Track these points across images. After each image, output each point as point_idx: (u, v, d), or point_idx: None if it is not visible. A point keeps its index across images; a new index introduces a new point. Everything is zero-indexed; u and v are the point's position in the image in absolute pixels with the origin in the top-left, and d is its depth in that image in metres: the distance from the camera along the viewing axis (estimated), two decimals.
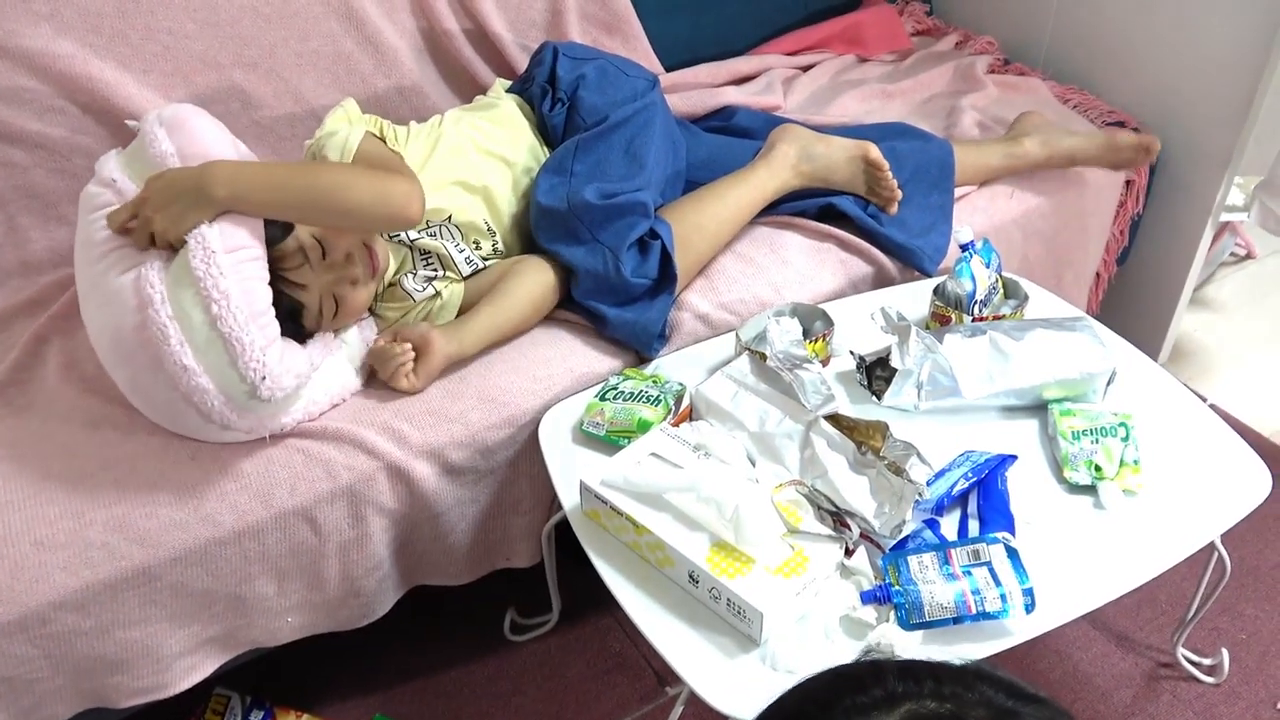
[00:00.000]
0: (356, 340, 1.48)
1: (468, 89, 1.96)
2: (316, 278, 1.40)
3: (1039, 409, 1.41)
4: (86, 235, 1.35)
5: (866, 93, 2.13)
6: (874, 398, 1.43)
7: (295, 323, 1.39)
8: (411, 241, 1.54)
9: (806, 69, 2.25)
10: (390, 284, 1.55)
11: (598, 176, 1.57)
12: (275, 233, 1.35)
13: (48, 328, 1.53)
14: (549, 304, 1.56)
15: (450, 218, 1.55)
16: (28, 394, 1.45)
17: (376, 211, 1.37)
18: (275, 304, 1.33)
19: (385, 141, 1.51)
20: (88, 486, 1.29)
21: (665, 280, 1.54)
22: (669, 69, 2.11)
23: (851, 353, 1.46)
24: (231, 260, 1.26)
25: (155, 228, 1.28)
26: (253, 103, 1.77)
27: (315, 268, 1.39)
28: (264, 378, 1.24)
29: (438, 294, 1.56)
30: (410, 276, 1.55)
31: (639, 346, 1.52)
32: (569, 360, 1.51)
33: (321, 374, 1.39)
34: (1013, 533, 1.21)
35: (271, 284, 1.34)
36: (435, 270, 1.56)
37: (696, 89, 2.07)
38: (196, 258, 1.25)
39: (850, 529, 1.18)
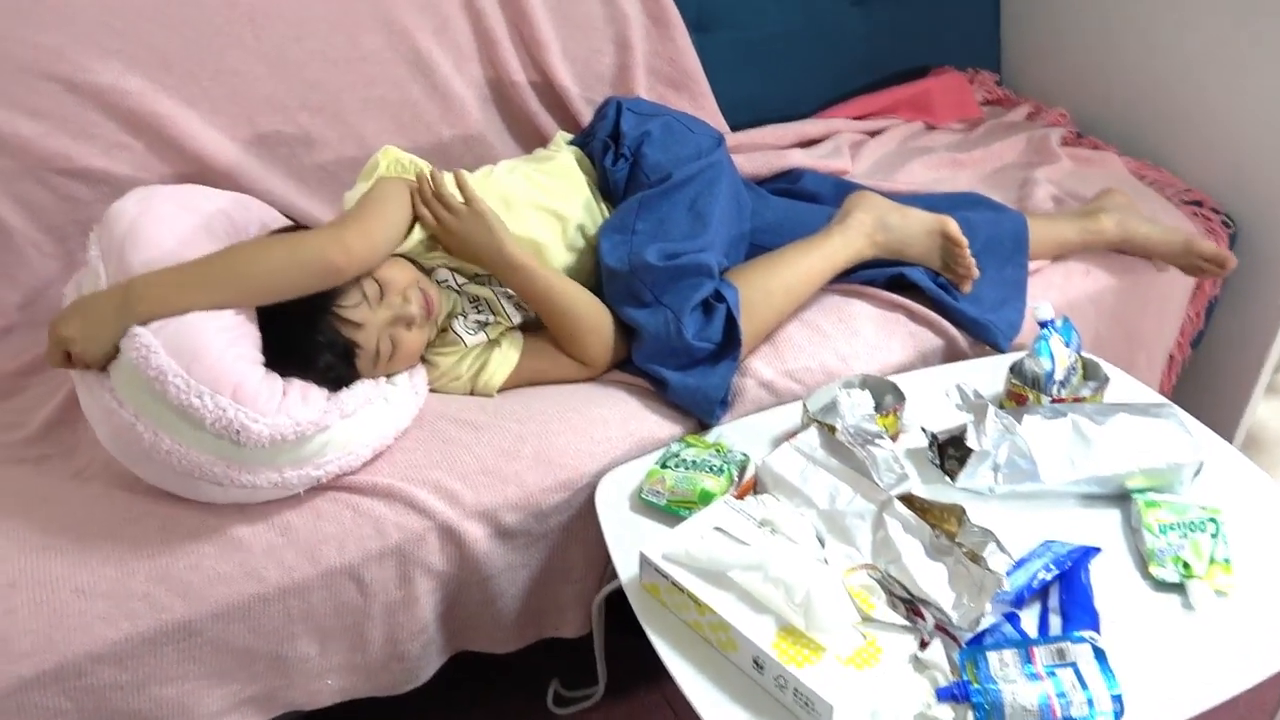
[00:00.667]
0: (405, 387, 1.45)
1: (531, 140, 1.95)
2: (374, 316, 1.38)
3: (1121, 498, 1.35)
4: None
5: (936, 161, 2.11)
6: (947, 478, 1.37)
7: (348, 364, 1.36)
8: (460, 287, 1.52)
9: (874, 134, 2.22)
10: (441, 329, 1.52)
11: (660, 236, 1.54)
12: None
13: None
14: (606, 330, 1.52)
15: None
16: (74, 436, 1.43)
17: (295, 280, 1.33)
18: (329, 345, 1.32)
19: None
20: (132, 534, 1.26)
21: (729, 345, 1.50)
22: (735, 129, 2.10)
23: (923, 429, 1.41)
24: (156, 333, 1.23)
25: (74, 350, 1.25)
26: (316, 146, 1.77)
27: (373, 306, 1.38)
28: (238, 430, 1.21)
29: (493, 342, 1.53)
30: (460, 320, 1.52)
31: (700, 413, 1.48)
32: (629, 423, 1.47)
33: (363, 423, 1.35)
34: (1098, 631, 1.15)
35: (328, 323, 1.33)
36: (486, 316, 1.54)
37: (762, 150, 2.05)
38: (128, 349, 1.22)
39: (925, 619, 1.13)
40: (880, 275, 1.70)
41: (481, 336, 1.53)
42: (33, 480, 1.35)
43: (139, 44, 1.61)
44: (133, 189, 1.42)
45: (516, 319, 1.54)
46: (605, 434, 1.45)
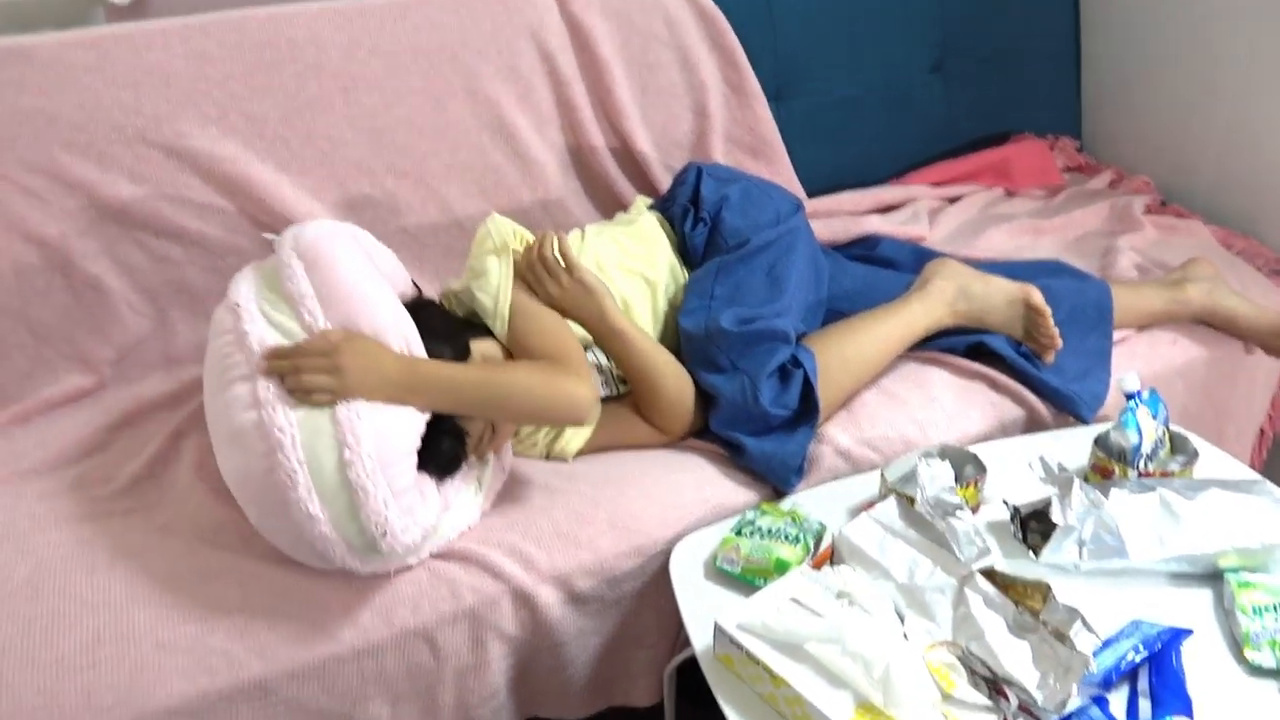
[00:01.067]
0: (496, 466, 1.46)
1: (609, 205, 1.98)
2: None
3: (1212, 578, 1.30)
4: (212, 362, 1.34)
5: (1016, 228, 2.09)
6: (1030, 553, 1.34)
7: (458, 444, 1.37)
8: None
9: (953, 200, 2.22)
10: None
11: (737, 301, 1.54)
12: (454, 353, 1.38)
13: (186, 424, 1.55)
14: (688, 399, 1.51)
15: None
16: (160, 489, 1.46)
17: (548, 419, 1.43)
18: (440, 428, 1.32)
19: None
20: (212, 591, 1.28)
21: (806, 412, 1.49)
22: (812, 195, 2.10)
23: (1005, 502, 1.38)
24: (372, 408, 1.25)
25: (322, 383, 1.24)
26: (400, 209, 1.81)
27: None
28: (385, 533, 1.21)
29: None
30: None
31: (776, 480, 1.47)
32: (704, 489, 1.47)
33: (456, 514, 1.36)
34: (1190, 717, 1.11)
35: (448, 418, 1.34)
36: None
37: (839, 216, 2.05)
38: (344, 405, 1.23)
39: (1009, 699, 1.10)
40: (960, 343, 1.68)
41: None
42: (120, 534, 1.37)
43: (235, 111, 1.67)
44: (313, 230, 1.40)
45: (601, 393, 1.54)
46: (680, 500, 1.44)
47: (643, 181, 1.99)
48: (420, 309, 1.43)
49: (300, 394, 1.23)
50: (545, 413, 1.38)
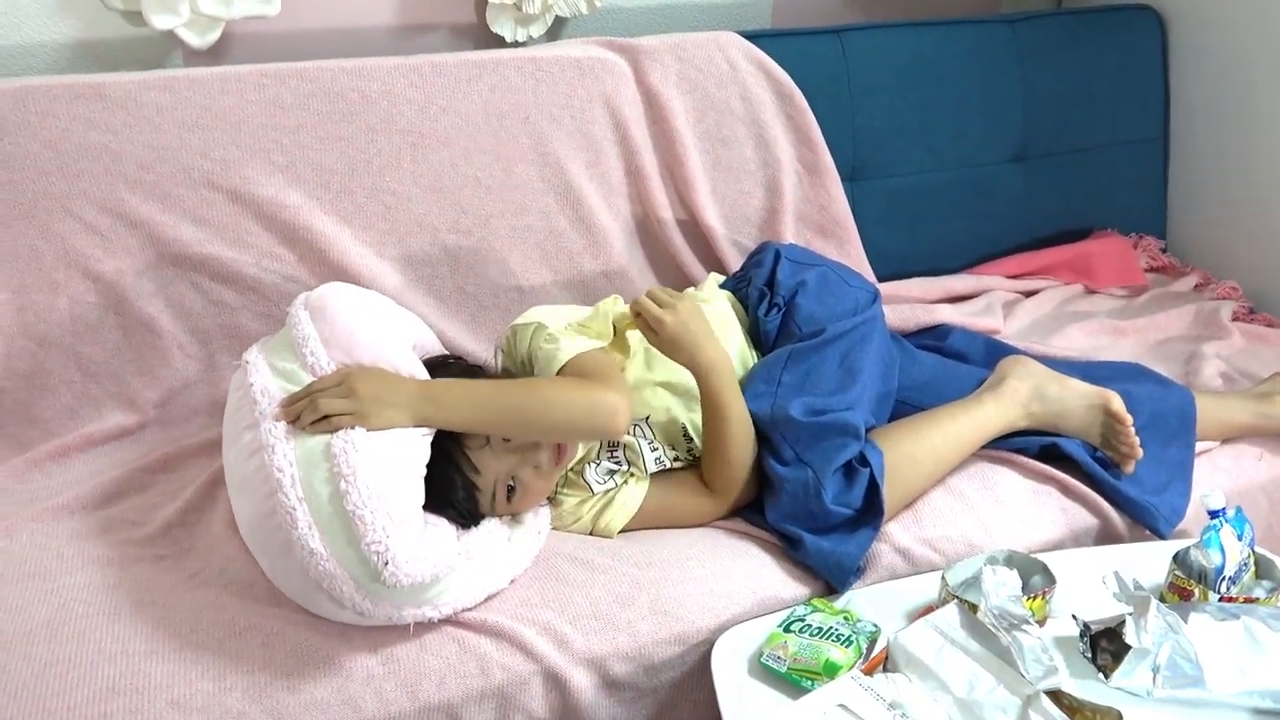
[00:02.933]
0: (529, 526, 1.42)
1: (673, 277, 1.97)
2: (495, 462, 1.36)
3: None
4: (227, 418, 1.39)
5: (1095, 327, 2.04)
6: (1099, 674, 1.26)
7: (471, 500, 1.35)
8: None
9: (1029, 294, 2.18)
10: (573, 469, 1.50)
11: (807, 389, 1.50)
12: None
13: (223, 473, 1.52)
14: (747, 463, 1.47)
15: (648, 418, 1.52)
16: (192, 538, 1.44)
17: (580, 427, 1.37)
18: (452, 481, 1.31)
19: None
20: (234, 648, 1.24)
21: (870, 513, 1.44)
22: (881, 280, 2.07)
23: (1075, 618, 1.31)
24: (370, 439, 1.24)
25: (340, 407, 1.26)
26: (460, 269, 1.80)
27: (496, 451, 1.37)
28: (386, 562, 1.18)
29: (616, 487, 1.50)
30: (594, 467, 1.50)
31: (832, 579, 1.41)
32: (753, 579, 1.41)
33: (483, 564, 1.32)
34: None
35: (450, 461, 1.32)
36: (620, 463, 1.51)
37: (909, 303, 2.01)
38: (339, 437, 1.23)
39: None
40: (1033, 444, 1.62)
41: (611, 484, 1.50)
42: (148, 581, 1.35)
43: (303, 161, 1.69)
44: (324, 287, 1.45)
45: (653, 468, 1.51)
46: (727, 588, 1.39)
47: (709, 257, 1.97)
48: (440, 365, 1.45)
49: (323, 425, 1.25)
50: (576, 420, 1.35)
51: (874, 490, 1.43)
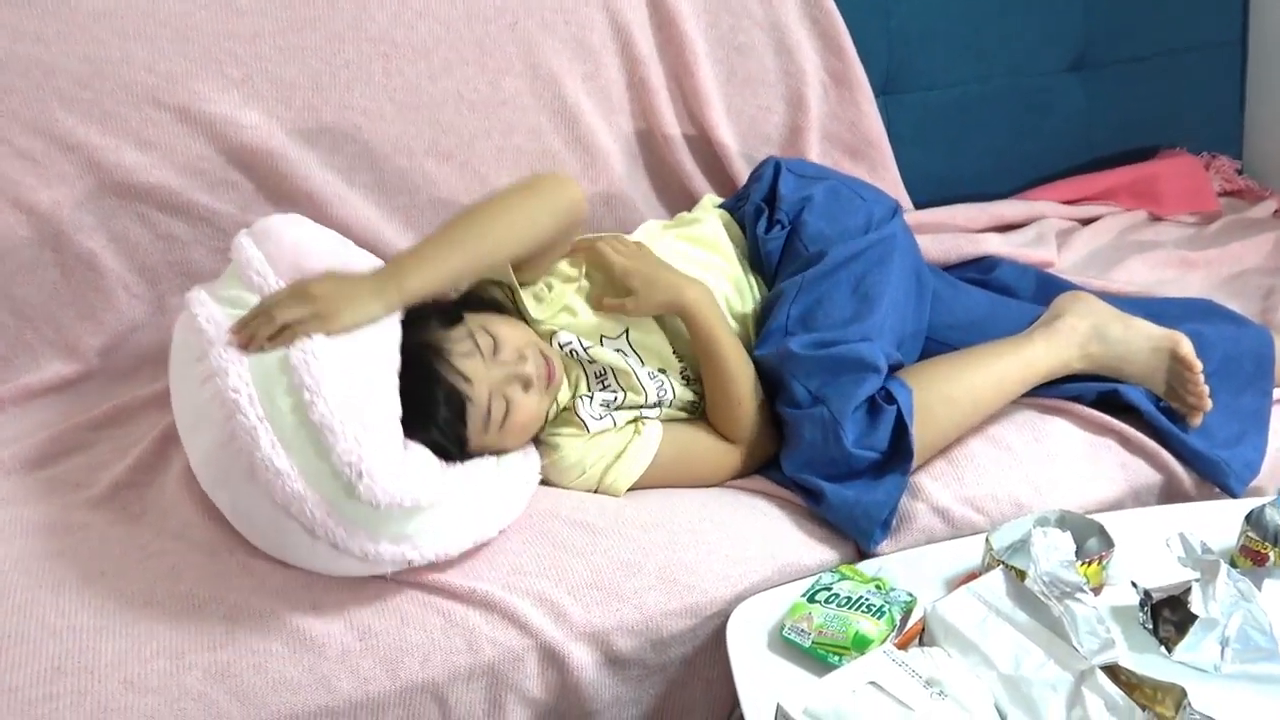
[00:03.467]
0: (519, 467, 1.45)
1: (679, 203, 1.97)
2: (486, 372, 1.40)
3: None
4: (174, 360, 1.41)
5: (1161, 258, 2.04)
6: (1161, 647, 1.28)
7: (459, 422, 1.38)
8: (586, 350, 1.52)
9: (1086, 222, 2.18)
10: (564, 408, 1.52)
11: (814, 321, 1.51)
12: (443, 320, 1.39)
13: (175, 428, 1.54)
14: (752, 401, 1.52)
15: (627, 332, 1.54)
16: (144, 501, 1.46)
17: (540, 213, 1.47)
18: (446, 398, 1.35)
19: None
20: (193, 622, 1.26)
21: (898, 457, 1.45)
22: (919, 206, 2.08)
23: (1134, 585, 1.32)
24: (332, 346, 1.27)
25: (299, 314, 1.28)
26: (441, 197, 1.81)
27: (486, 360, 1.40)
28: (361, 474, 1.20)
29: (615, 427, 1.52)
30: (587, 401, 1.52)
31: (857, 534, 1.43)
32: (771, 544, 1.43)
33: (469, 504, 1.34)
34: None
35: (434, 376, 1.35)
36: (615, 393, 1.52)
37: (951, 232, 2.00)
38: (296, 348, 1.26)
39: None
40: (1089, 390, 1.62)
41: (608, 422, 1.52)
42: (95, 548, 1.36)
43: (261, 75, 1.68)
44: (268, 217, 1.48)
45: (652, 395, 1.53)
46: (744, 554, 1.41)
47: (722, 180, 1.97)
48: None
49: (283, 338, 1.28)
50: (532, 210, 1.46)
51: (901, 430, 1.44)
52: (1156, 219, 2.23)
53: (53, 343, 1.65)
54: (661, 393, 1.54)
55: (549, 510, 1.44)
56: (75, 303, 1.65)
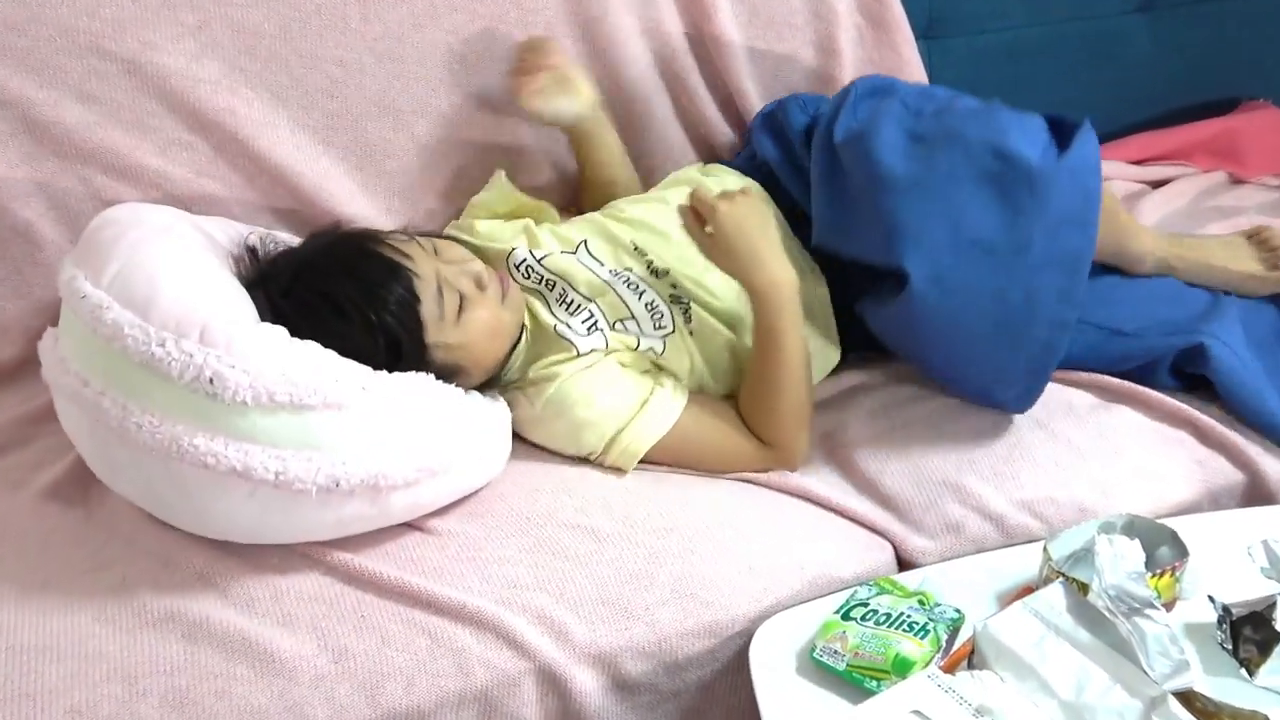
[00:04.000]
0: (486, 413, 1.48)
1: (695, 157, 1.99)
2: (430, 262, 1.48)
3: None
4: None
5: (1242, 225, 2.01)
6: (1241, 669, 1.28)
7: (413, 299, 1.43)
8: (540, 261, 1.59)
9: (1157, 185, 2.19)
10: (542, 336, 1.58)
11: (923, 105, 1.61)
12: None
13: None
14: (805, 413, 1.57)
15: (585, 243, 1.60)
16: (88, 503, 1.47)
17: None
18: (384, 273, 1.43)
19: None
20: (147, 640, 1.27)
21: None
22: None
23: (1211, 599, 1.32)
24: (108, 288, 1.31)
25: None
26: (432, 164, 1.81)
27: (428, 254, 1.49)
28: (210, 377, 1.24)
29: (608, 349, 1.56)
30: (563, 324, 1.57)
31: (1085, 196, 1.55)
32: (799, 552, 1.44)
33: (407, 423, 1.36)
34: None
35: (375, 251, 1.45)
36: (587, 309, 1.58)
37: None
38: (81, 314, 1.30)
39: None
40: (1170, 347, 1.63)
41: (598, 340, 1.56)
42: (35, 558, 1.38)
43: (220, 19, 1.68)
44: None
45: (624, 292, 1.58)
46: (769, 564, 1.42)
47: (742, 132, 1.97)
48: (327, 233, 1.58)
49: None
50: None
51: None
52: (1238, 181, 2.23)
53: None
54: (631, 287, 1.59)
55: (547, 513, 1.45)
56: (10, 279, 1.66)
